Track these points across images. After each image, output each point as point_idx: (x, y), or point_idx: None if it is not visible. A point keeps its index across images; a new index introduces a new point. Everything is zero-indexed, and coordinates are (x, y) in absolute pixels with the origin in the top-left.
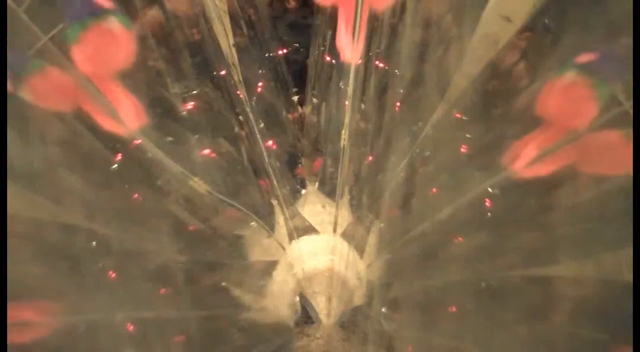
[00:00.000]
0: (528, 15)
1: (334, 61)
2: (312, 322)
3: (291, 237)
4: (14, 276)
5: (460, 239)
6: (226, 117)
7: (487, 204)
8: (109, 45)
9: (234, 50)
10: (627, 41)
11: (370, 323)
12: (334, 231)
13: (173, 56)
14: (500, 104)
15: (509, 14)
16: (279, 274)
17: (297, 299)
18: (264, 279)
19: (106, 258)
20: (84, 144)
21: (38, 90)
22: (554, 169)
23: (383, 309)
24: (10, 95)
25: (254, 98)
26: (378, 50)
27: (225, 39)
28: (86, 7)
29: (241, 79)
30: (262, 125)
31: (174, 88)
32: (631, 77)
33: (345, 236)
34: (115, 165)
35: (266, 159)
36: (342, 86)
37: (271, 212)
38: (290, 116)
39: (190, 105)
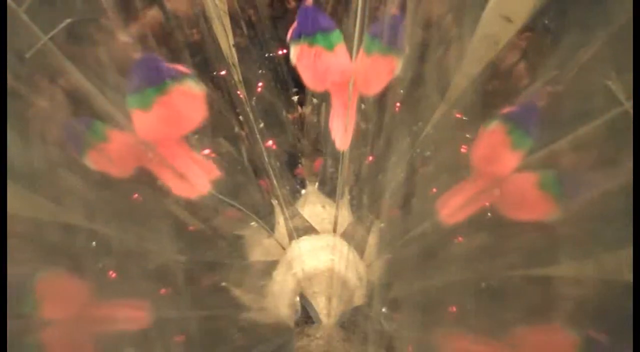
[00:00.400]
0: (528, 15)
1: None
2: (312, 322)
3: (291, 237)
4: (14, 276)
5: (460, 239)
6: (226, 117)
7: (486, 204)
8: (186, 108)
9: (234, 50)
10: (549, 90)
11: (370, 323)
12: (334, 231)
13: (173, 56)
14: (500, 104)
15: (509, 14)
16: (279, 274)
17: (297, 299)
18: (264, 279)
19: (106, 258)
20: None
21: (102, 158)
22: (472, 213)
23: (383, 309)
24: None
25: (254, 98)
26: None
27: (226, 39)
28: (166, 72)
29: (241, 79)
30: (262, 125)
31: None
32: (631, 77)
33: (345, 236)
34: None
35: (266, 159)
36: None
37: (271, 212)
38: (290, 116)
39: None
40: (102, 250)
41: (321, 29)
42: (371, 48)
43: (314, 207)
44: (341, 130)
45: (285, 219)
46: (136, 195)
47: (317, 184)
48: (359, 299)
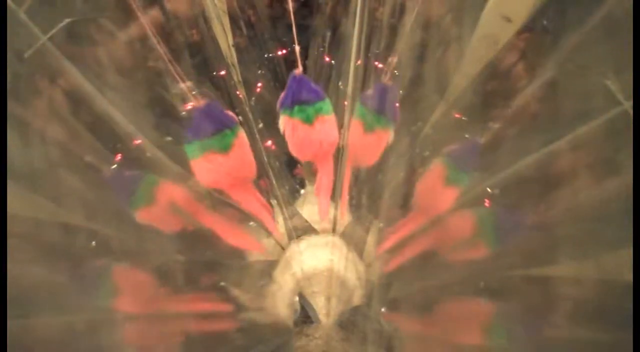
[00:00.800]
0: (528, 15)
1: (333, 62)
2: (311, 322)
3: (290, 237)
4: (14, 276)
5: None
6: None
7: (486, 204)
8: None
9: (233, 50)
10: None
11: (369, 323)
12: (333, 230)
13: (173, 56)
14: (499, 104)
15: (509, 14)
16: (278, 274)
17: (296, 299)
18: (264, 279)
19: (106, 258)
20: (84, 144)
21: (151, 216)
22: (414, 255)
23: (383, 309)
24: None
25: (253, 98)
26: (377, 51)
27: (225, 39)
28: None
29: (240, 79)
30: (261, 125)
31: (173, 88)
32: (631, 77)
33: (344, 236)
34: (115, 165)
35: (265, 159)
36: (342, 86)
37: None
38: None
39: (190, 105)
40: (102, 250)
41: (300, 102)
42: (364, 120)
43: (313, 207)
44: (325, 201)
45: (285, 219)
46: None
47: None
48: (358, 299)
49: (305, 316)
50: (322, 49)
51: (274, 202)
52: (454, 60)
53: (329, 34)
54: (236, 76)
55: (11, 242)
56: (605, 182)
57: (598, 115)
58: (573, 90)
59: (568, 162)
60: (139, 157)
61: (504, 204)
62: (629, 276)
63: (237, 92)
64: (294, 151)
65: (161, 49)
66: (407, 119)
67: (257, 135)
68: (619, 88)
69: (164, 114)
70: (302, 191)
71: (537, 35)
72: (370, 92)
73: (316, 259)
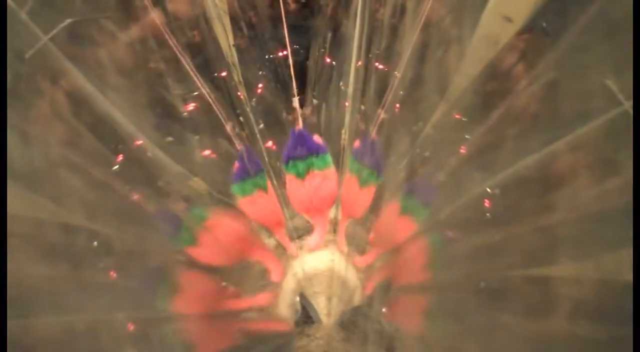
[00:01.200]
0: (528, 14)
1: (334, 63)
2: (312, 322)
3: (291, 237)
4: (14, 276)
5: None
6: (226, 118)
7: (486, 204)
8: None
9: (234, 51)
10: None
11: (370, 323)
12: (334, 230)
13: (174, 57)
14: (499, 105)
15: (509, 13)
16: None
17: (297, 299)
18: (264, 279)
19: (107, 258)
20: (85, 144)
21: (202, 253)
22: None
23: (383, 309)
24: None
25: (254, 99)
26: (378, 52)
27: (226, 40)
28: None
29: (241, 80)
30: (262, 126)
31: (175, 89)
32: (631, 77)
33: (345, 236)
34: (117, 166)
35: (266, 160)
36: (343, 87)
37: None
38: (290, 117)
39: (191, 106)
40: (103, 250)
41: (294, 157)
42: (360, 175)
43: None
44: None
45: (286, 219)
46: (137, 195)
47: None
48: (359, 299)
49: (306, 316)
50: (323, 49)
51: None
52: (454, 61)
53: (329, 34)
54: (237, 77)
55: (11, 242)
56: (605, 182)
57: (598, 115)
58: (573, 90)
59: (568, 162)
60: (140, 158)
61: (503, 205)
62: (628, 276)
63: (238, 93)
64: (292, 203)
65: (173, 45)
66: (407, 119)
67: (258, 136)
68: (619, 88)
69: (165, 114)
70: None
71: (537, 36)
72: (360, 148)
73: (317, 259)
